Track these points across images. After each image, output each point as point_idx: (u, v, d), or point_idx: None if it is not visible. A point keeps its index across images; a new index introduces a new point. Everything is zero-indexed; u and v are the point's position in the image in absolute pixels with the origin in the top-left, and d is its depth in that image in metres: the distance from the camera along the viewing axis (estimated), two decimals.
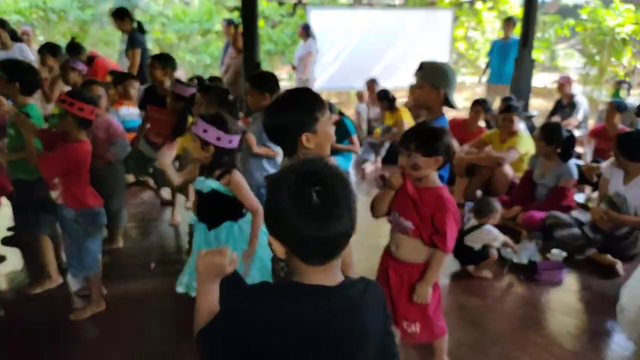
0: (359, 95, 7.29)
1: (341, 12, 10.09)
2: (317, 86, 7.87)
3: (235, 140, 2.18)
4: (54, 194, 3.18)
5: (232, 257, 1.22)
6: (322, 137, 1.62)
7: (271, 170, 3.01)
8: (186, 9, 11.41)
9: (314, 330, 1.07)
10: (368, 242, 2.87)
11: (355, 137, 4.71)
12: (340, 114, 5.20)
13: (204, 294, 1.20)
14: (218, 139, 2.11)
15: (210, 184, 2.22)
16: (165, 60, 3.86)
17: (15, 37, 5.76)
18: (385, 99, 6.22)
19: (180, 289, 2.43)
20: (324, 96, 10.87)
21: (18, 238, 3.59)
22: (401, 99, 7.39)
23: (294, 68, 7.60)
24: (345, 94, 10.53)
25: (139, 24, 5.61)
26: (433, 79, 2.33)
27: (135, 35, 5.43)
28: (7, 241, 3.67)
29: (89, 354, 2.56)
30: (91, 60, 5.22)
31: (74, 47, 5.07)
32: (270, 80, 3.07)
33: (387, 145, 5.98)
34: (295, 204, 1.01)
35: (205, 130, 2.11)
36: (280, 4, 11.72)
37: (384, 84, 7.08)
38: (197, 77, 4.09)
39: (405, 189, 2.06)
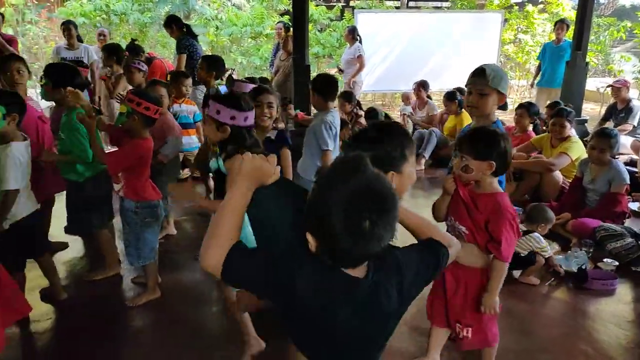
0: (405, 98, 7.24)
1: (388, 15, 10.07)
2: (363, 89, 7.88)
3: (250, 116, 2.09)
4: (117, 187, 3.35)
5: (275, 170, 1.19)
6: (406, 178, 1.45)
7: None
8: (239, 13, 11.69)
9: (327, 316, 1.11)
10: None
11: None
12: (387, 117, 5.22)
13: (237, 195, 1.14)
14: (232, 117, 2.02)
15: (219, 162, 2.12)
16: (211, 63, 3.95)
17: (80, 39, 6.11)
18: (454, 100, 6.04)
19: None
20: (369, 98, 10.66)
21: (71, 234, 3.68)
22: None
23: (340, 71, 7.63)
24: (390, 96, 10.48)
25: (189, 28, 5.77)
26: (501, 85, 2.23)
27: (182, 41, 5.59)
28: (69, 229, 3.76)
29: (140, 341, 2.63)
30: (150, 61, 5.45)
31: (134, 49, 5.31)
32: (331, 85, 3.14)
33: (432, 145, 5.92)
34: (345, 224, 1.00)
35: (218, 112, 2.03)
36: (329, 7, 11.83)
37: (430, 86, 7.02)
38: (248, 78, 4.23)
39: (458, 194, 2.04)
